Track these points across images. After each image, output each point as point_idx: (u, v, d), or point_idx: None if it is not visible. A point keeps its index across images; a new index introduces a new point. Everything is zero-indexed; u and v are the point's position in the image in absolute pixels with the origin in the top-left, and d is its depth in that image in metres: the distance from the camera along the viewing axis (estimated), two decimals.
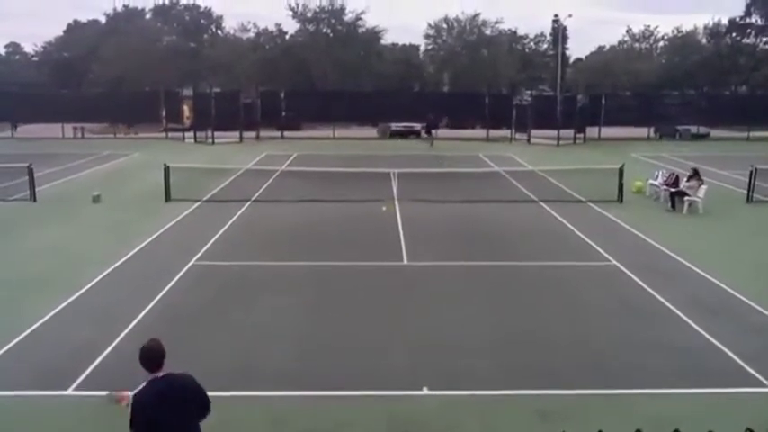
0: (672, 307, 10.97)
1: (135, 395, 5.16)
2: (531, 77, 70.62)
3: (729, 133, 43.76)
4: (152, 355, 5.15)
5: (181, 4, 67.88)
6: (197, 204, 19.55)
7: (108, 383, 8.19)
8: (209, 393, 7.92)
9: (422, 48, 68.81)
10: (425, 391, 8.11)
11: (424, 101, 48.62)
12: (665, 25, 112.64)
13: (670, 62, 65.38)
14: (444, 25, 64.78)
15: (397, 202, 19.62)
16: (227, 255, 14.30)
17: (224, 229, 16.55)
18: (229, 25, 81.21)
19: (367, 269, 13.30)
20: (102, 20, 67.27)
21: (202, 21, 67.14)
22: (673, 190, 19.62)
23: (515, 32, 69.11)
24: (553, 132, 38.63)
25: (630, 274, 12.78)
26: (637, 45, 71.12)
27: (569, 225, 17.11)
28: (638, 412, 7.50)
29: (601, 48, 74.45)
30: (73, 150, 33.98)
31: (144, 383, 5.10)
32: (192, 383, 5.32)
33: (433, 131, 40.32)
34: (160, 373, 5.12)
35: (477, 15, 63.54)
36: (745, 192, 20.60)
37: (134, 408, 5.04)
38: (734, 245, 15.57)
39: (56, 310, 10.71)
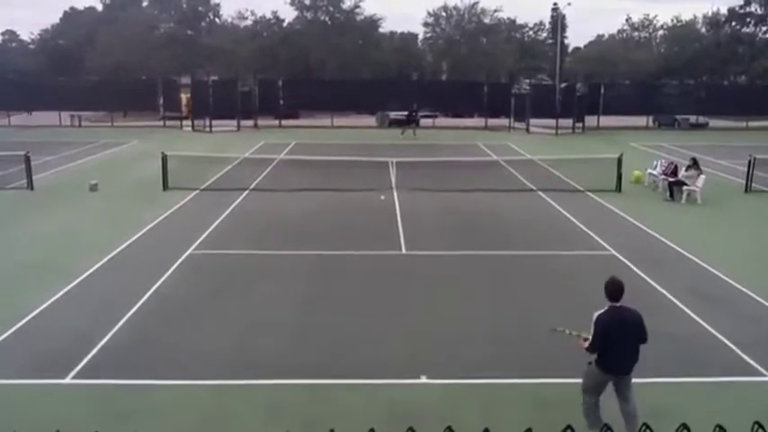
0: (670, 296, 10.98)
1: (599, 314, 6.58)
2: (530, 66, 70.33)
3: (728, 123, 43.72)
4: (616, 289, 6.62)
5: None
6: (195, 193, 19.49)
7: (106, 372, 8.23)
8: (208, 382, 8.02)
9: (420, 36, 68.60)
10: (423, 380, 8.12)
11: (423, 90, 48.46)
12: (665, 14, 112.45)
13: (669, 51, 65.16)
14: (443, 13, 64.51)
15: (395, 191, 19.58)
16: (224, 243, 14.28)
17: (222, 217, 16.51)
18: (227, 13, 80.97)
19: (365, 258, 13.29)
20: (99, 7, 66.85)
21: (200, 8, 66.57)
22: (671, 179, 19.60)
23: (514, 21, 68.76)
24: (552, 121, 38.52)
25: (628, 263, 12.78)
26: (636, 34, 70.87)
27: (567, 214, 17.09)
28: (637, 401, 7.50)
29: (600, 37, 74.32)
30: (70, 138, 33.81)
31: (606, 308, 6.60)
32: (640, 319, 6.64)
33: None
34: (617, 304, 6.59)
35: (475, 4, 63.26)
36: (744, 181, 20.58)
37: (597, 323, 6.53)
38: (732, 234, 15.57)
39: (53, 298, 10.69)
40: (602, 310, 6.60)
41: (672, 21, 67.63)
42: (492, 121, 42.04)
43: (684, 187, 18.99)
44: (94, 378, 8.11)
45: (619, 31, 71.91)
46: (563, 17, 67.48)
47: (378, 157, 23.12)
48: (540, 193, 19.89)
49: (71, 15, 68.73)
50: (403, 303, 10.77)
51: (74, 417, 7.23)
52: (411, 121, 38.32)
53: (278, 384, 8.00)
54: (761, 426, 2.88)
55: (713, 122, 43.49)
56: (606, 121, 41.68)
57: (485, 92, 43.21)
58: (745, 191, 20.31)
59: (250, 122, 41.21)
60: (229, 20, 65.91)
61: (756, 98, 43.79)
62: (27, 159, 20.35)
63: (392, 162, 21.63)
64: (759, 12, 58.40)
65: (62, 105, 42.22)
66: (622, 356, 6.58)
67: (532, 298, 11.04)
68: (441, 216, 16.91)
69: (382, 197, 18.95)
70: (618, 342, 6.52)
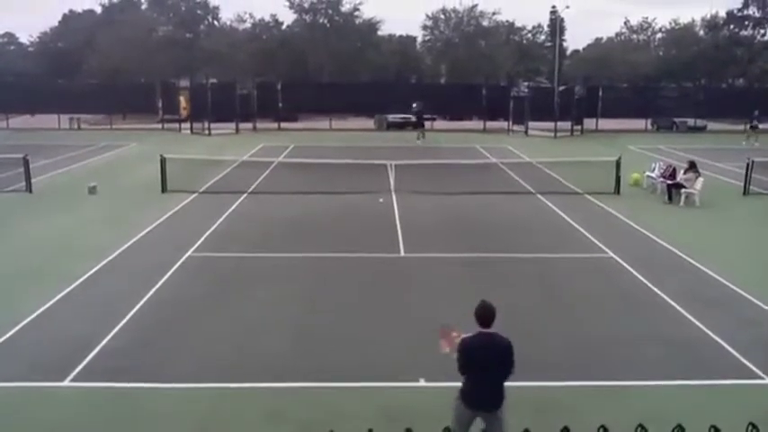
0: (668, 299, 10.98)
1: (464, 339, 6.07)
2: (529, 69, 70.47)
3: (726, 126, 43.78)
4: (486, 313, 6.03)
5: None
6: (193, 196, 19.49)
7: (105, 375, 8.22)
8: (205, 385, 8.01)
9: (419, 39, 68.73)
10: (422, 383, 8.12)
11: (422, 92, 48.51)
12: (663, 17, 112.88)
13: (667, 54, 65.35)
14: (442, 16, 64.62)
15: (393, 194, 19.58)
16: (223, 246, 14.27)
17: (220, 220, 16.51)
18: (226, 16, 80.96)
19: (363, 261, 13.28)
20: (98, 10, 67.01)
21: (198, 11, 66.71)
22: (670, 182, 19.62)
23: (513, 24, 68.93)
24: (550, 124, 38.57)
25: (627, 266, 12.78)
26: (634, 37, 71.07)
27: (566, 217, 17.10)
28: (634, 404, 7.51)
29: (598, 39, 74.42)
30: (69, 141, 33.84)
31: (475, 332, 6.05)
32: (509, 347, 6.04)
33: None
34: (488, 330, 6.02)
35: (474, 6, 63.40)
36: (742, 184, 20.62)
37: (461, 344, 6.03)
38: (730, 237, 15.59)
39: (52, 301, 10.67)
40: (470, 334, 6.10)
41: (670, 24, 67.98)
42: (490, 124, 42.11)
43: (683, 190, 19.01)
44: (93, 381, 8.09)
45: (617, 34, 72.16)
46: (561, 20, 67.70)
47: (376, 160, 23.14)
48: (539, 195, 19.90)
49: (70, 18, 68.83)
50: (402, 306, 10.76)
51: (71, 420, 7.22)
52: (420, 124, 37.73)
53: (277, 387, 7.98)
54: (755, 427, 2.89)
55: (711, 125, 43.56)
56: (604, 123, 41.76)
57: (483, 94, 43.31)
58: (744, 194, 20.34)
59: (249, 125, 41.26)
60: (228, 23, 66.11)
61: (755, 101, 43.86)
62: (26, 162, 20.35)
63: (390, 165, 21.65)
64: (757, 15, 58.60)
65: (61, 108, 42.26)
66: (484, 387, 6.07)
67: (531, 301, 11.03)
68: (439, 219, 16.91)
69: (381, 200, 18.96)
70: (481, 371, 6.03)
